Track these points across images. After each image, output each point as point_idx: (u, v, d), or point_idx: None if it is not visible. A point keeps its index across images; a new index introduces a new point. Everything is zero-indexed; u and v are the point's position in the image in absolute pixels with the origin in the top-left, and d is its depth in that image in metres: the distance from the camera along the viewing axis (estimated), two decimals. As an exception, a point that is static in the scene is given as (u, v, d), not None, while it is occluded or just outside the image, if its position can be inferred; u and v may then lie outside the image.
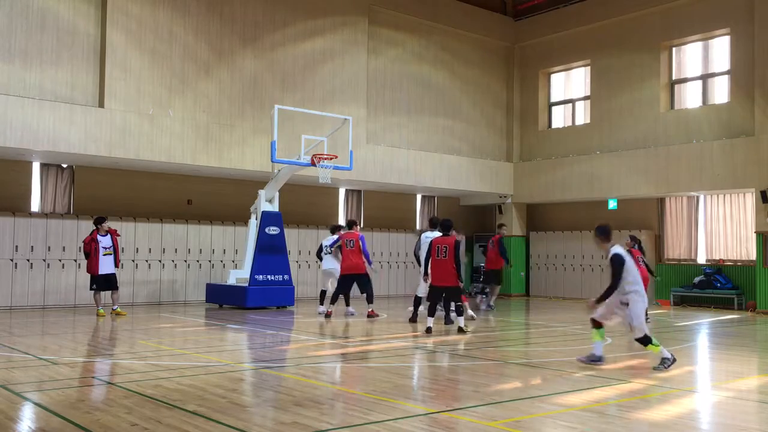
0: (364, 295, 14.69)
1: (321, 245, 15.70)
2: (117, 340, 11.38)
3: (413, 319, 13.66)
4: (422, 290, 13.55)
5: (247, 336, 12.06)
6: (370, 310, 14.56)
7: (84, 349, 10.23)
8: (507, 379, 8.10)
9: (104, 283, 14.34)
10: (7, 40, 15.09)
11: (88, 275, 14.45)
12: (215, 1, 17.61)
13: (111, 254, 14.33)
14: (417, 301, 13.88)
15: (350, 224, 15.24)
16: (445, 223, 12.66)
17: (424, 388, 7.49)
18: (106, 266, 14.27)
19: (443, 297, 12.91)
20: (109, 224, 14.80)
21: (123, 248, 16.18)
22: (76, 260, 16.40)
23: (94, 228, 14.39)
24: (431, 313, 12.23)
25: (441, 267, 12.11)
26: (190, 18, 17.24)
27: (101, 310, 14.31)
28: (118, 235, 14.77)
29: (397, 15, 20.96)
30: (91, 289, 14.43)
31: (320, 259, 15.76)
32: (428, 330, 11.97)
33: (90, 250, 14.18)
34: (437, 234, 12.88)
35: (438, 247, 12.19)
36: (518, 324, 14.65)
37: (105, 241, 14.28)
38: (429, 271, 12.39)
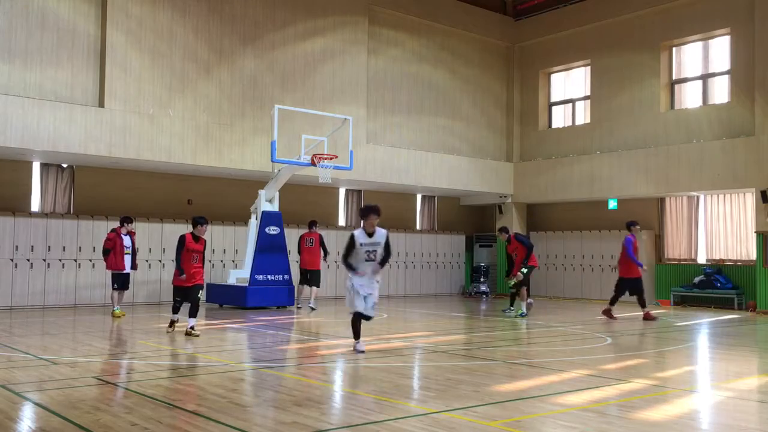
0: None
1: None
2: (117, 340, 11.38)
3: None
4: None
5: (247, 336, 12.05)
6: (645, 311, 14.87)
7: (84, 349, 10.22)
8: (507, 379, 8.10)
9: (123, 282, 14.38)
10: (7, 40, 15.09)
11: (109, 272, 14.39)
12: (215, 1, 17.61)
13: (129, 254, 14.40)
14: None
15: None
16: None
17: (424, 388, 7.49)
18: (125, 265, 14.34)
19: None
20: (114, 225, 14.84)
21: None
22: (76, 260, 16.41)
23: (119, 225, 14.42)
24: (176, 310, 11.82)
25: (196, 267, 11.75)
26: (190, 18, 17.25)
27: (117, 311, 14.27)
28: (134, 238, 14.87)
29: (397, 15, 20.97)
30: (113, 288, 14.37)
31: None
32: (171, 324, 11.74)
33: (114, 246, 14.18)
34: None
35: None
36: (518, 324, 14.63)
37: (125, 240, 14.35)
38: None
